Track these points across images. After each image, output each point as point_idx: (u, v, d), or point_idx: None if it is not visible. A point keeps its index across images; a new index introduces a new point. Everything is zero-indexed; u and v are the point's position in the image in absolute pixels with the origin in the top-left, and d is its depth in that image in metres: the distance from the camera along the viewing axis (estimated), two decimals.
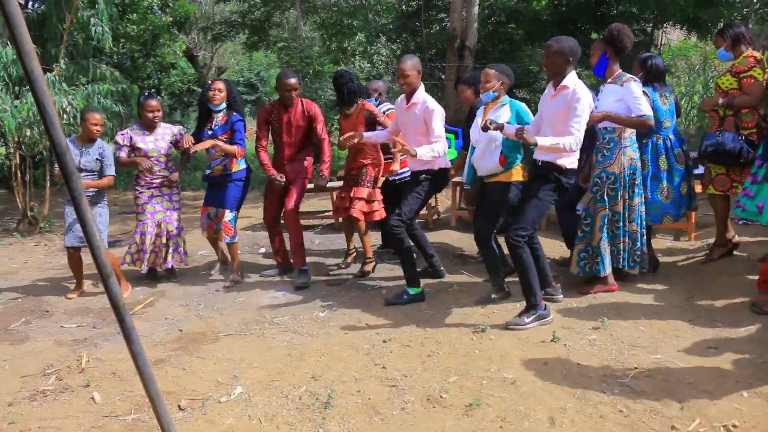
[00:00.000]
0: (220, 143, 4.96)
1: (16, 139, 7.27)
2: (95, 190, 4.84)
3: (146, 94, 5.20)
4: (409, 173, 5.09)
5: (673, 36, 15.49)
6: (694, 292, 4.23)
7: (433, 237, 6.40)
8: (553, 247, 5.60)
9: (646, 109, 3.95)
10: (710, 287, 4.30)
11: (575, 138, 3.61)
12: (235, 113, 5.08)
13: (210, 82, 5.12)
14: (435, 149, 4.24)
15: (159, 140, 5.07)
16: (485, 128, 3.77)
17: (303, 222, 5.42)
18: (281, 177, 5.02)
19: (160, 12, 15.41)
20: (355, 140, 4.60)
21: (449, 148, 6.15)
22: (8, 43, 7.04)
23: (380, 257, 5.66)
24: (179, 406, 3.01)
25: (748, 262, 4.68)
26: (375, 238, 5.93)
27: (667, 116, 4.50)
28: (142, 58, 15.03)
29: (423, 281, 4.56)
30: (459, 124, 7.71)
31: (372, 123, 5.14)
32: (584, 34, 11.71)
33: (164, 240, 5.14)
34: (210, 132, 5.03)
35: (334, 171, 6.71)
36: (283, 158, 5.12)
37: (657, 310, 3.94)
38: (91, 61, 8.89)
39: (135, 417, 2.94)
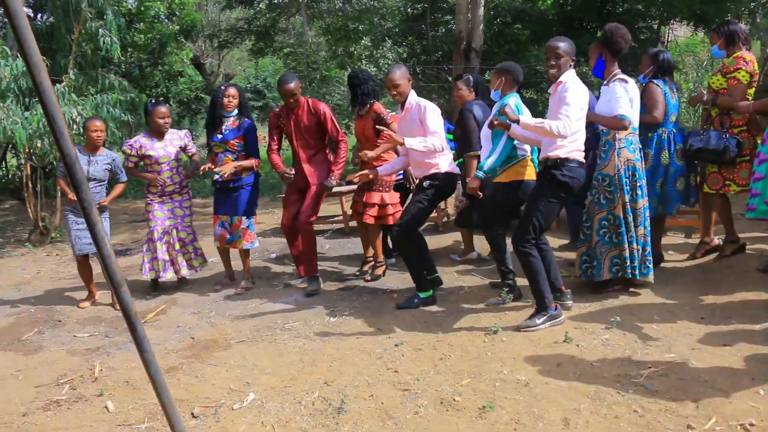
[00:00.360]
0: (240, 164, 5.03)
1: (27, 150, 7.35)
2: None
3: (153, 101, 5.23)
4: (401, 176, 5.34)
5: (680, 32, 15.39)
6: (706, 290, 4.19)
7: (443, 240, 6.40)
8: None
9: (623, 110, 3.90)
10: (723, 284, 4.26)
11: (563, 123, 3.60)
12: (246, 119, 5.10)
13: (222, 87, 5.10)
14: (428, 141, 4.22)
15: (168, 146, 5.13)
16: (491, 125, 3.93)
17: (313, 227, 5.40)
18: (290, 170, 5.04)
19: (167, 21, 15.51)
20: (370, 177, 4.66)
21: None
22: (18, 55, 7.10)
23: (397, 259, 5.61)
24: (192, 413, 3.02)
25: (761, 258, 4.63)
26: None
27: (673, 110, 4.53)
28: (150, 66, 15.13)
29: None
30: None
31: (380, 125, 5.13)
32: (590, 32, 11.66)
33: (177, 247, 5.16)
34: (220, 136, 5.05)
35: (343, 177, 6.67)
36: (299, 160, 5.09)
37: (670, 309, 3.91)
38: (99, 71, 8.97)
39: (148, 425, 2.95)
